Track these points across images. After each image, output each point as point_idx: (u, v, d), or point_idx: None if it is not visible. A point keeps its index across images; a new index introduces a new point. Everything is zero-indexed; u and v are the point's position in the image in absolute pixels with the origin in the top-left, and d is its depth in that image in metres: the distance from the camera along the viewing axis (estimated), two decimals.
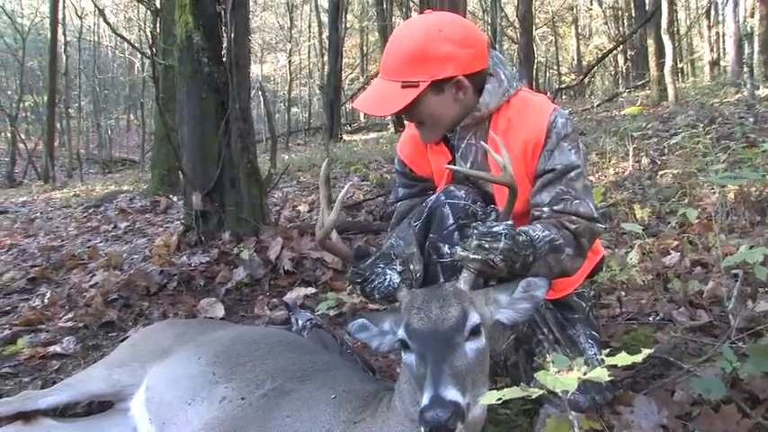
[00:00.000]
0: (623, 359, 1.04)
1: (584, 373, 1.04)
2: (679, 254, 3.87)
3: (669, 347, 2.77)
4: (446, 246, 2.21)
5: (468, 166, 2.39)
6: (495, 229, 1.90)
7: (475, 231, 1.91)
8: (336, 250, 2.07)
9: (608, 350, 1.15)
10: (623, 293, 3.47)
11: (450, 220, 2.22)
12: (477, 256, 1.88)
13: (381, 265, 1.99)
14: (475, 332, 1.76)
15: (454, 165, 2.39)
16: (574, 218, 2.18)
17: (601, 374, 1.02)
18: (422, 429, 1.55)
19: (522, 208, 2.28)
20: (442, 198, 2.27)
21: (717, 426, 2.10)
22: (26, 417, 2.67)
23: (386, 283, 1.95)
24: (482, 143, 2.18)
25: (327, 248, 2.06)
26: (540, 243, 2.03)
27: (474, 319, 1.77)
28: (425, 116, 2.30)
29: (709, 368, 2.40)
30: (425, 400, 1.57)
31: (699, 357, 2.58)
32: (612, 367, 1.05)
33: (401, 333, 1.80)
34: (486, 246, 1.87)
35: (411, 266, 2.09)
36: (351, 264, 2.06)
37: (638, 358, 1.02)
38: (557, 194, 2.22)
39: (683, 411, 2.23)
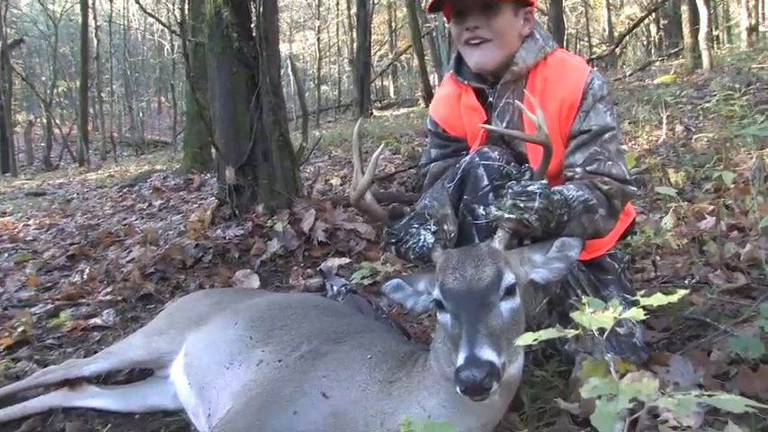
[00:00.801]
0: (659, 299, 1.04)
1: (620, 314, 1.04)
2: (714, 218, 3.81)
3: (705, 309, 2.73)
4: (481, 207, 2.21)
5: (505, 125, 2.38)
6: (529, 188, 1.90)
7: (509, 191, 1.91)
8: (371, 210, 2.06)
9: (643, 291, 1.14)
10: (658, 257, 3.44)
11: (485, 182, 2.21)
12: (512, 216, 1.87)
13: (416, 226, 1.99)
14: (510, 292, 1.76)
15: (490, 124, 2.38)
16: (606, 179, 2.17)
17: (637, 314, 1.02)
18: (457, 389, 1.56)
19: (554, 168, 2.27)
20: (477, 159, 2.25)
21: (756, 385, 2.06)
22: (71, 384, 2.78)
23: (420, 244, 1.96)
24: (518, 102, 2.17)
25: (362, 209, 2.06)
26: (575, 203, 2.02)
27: (509, 278, 1.77)
28: (497, 30, 2.29)
29: (746, 328, 2.37)
30: (461, 359, 1.57)
31: (736, 318, 2.55)
32: (645, 309, 1.04)
33: (436, 293, 1.81)
34: (521, 205, 1.87)
35: (445, 227, 2.09)
36: (385, 224, 2.07)
37: (674, 298, 1.02)
38: (590, 155, 2.21)
39: (721, 371, 2.20)
